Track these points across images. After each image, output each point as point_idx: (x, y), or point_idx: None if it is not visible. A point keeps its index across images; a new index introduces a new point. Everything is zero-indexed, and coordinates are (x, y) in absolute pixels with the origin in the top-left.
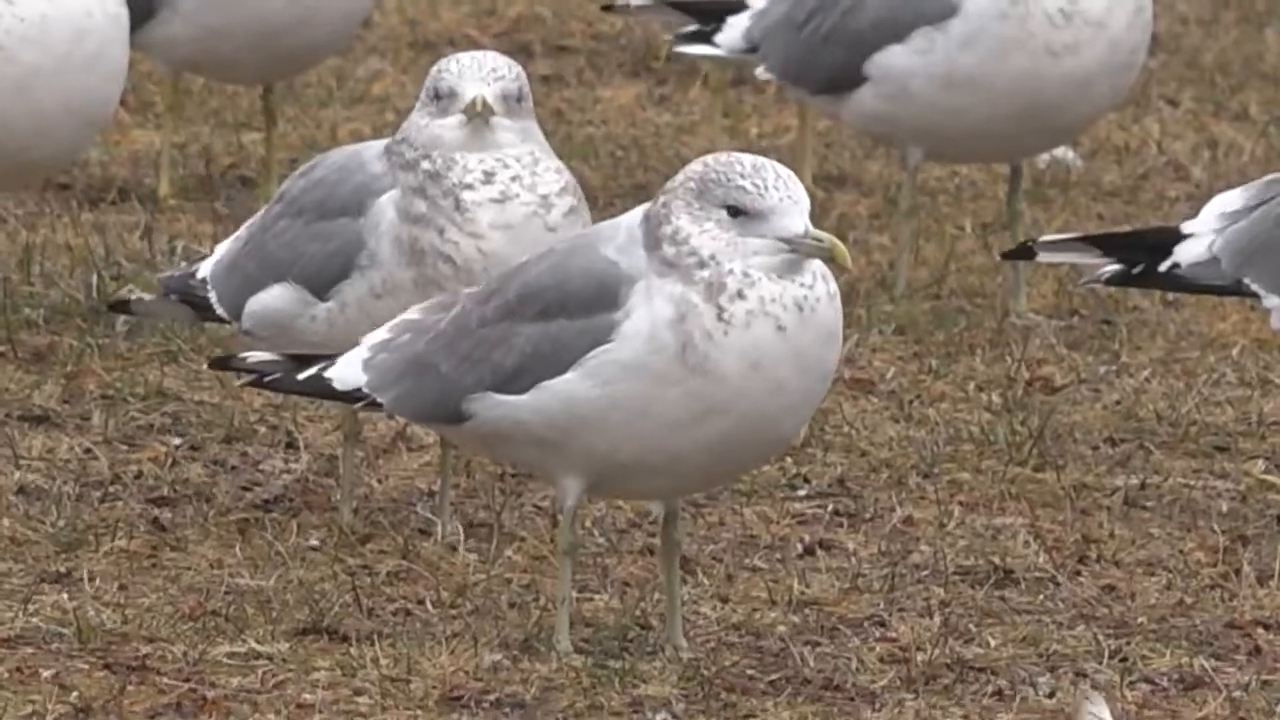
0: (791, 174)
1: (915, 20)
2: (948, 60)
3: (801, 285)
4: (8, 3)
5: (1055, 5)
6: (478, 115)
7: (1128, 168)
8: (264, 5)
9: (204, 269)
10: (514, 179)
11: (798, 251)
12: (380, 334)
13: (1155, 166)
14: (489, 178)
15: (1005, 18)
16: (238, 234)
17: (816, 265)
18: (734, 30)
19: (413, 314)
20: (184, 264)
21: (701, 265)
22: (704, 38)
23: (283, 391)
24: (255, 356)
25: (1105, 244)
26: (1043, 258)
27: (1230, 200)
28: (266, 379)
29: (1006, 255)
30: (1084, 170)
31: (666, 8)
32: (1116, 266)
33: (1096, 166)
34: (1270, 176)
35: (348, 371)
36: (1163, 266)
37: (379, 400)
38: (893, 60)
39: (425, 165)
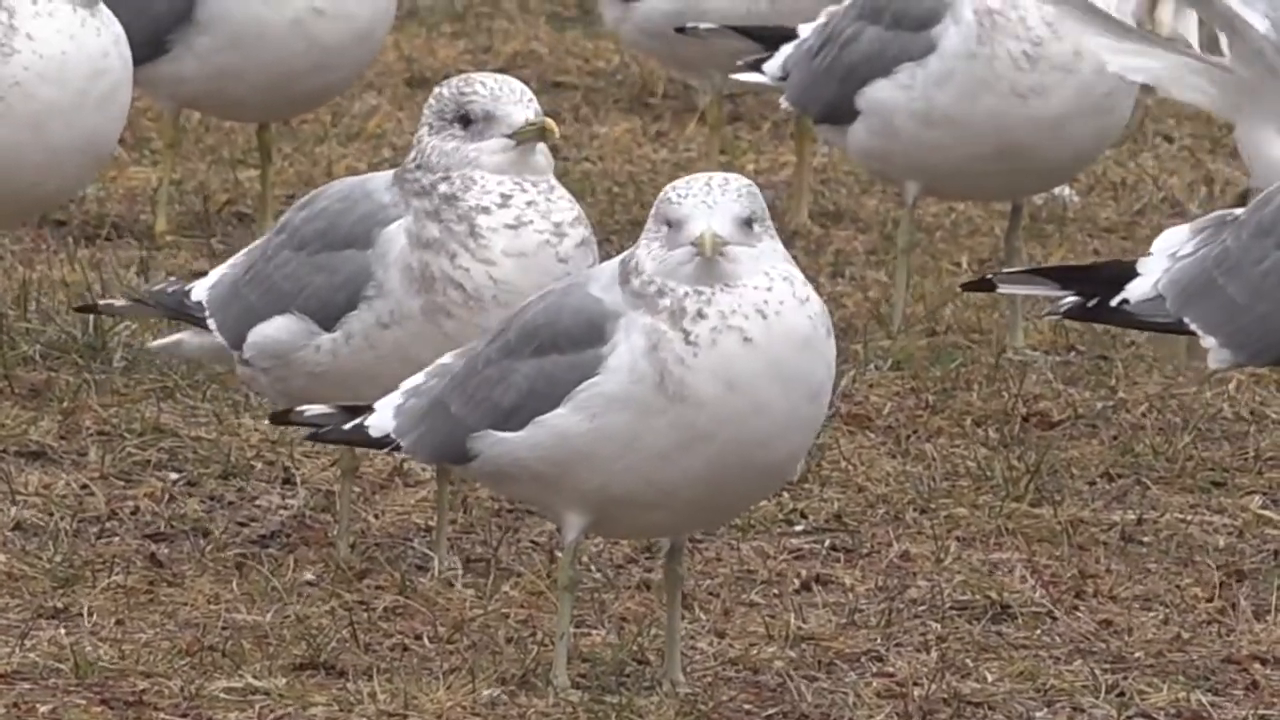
0: (730, 179)
1: (900, 55)
2: (926, 97)
3: (756, 289)
4: (28, 39)
5: (1019, 48)
6: (537, 139)
7: (1124, 204)
8: (280, 50)
9: (199, 291)
10: (529, 204)
11: (699, 252)
12: (417, 379)
13: (1151, 203)
14: (505, 200)
15: (973, 58)
16: (234, 260)
17: (777, 270)
18: (778, 59)
19: (448, 359)
20: (171, 280)
21: (660, 294)
22: (760, 65)
23: (335, 443)
24: (312, 410)
25: (1062, 277)
26: (1002, 289)
27: (1179, 236)
28: (322, 431)
29: (966, 287)
30: (1080, 206)
31: (732, 33)
32: (1074, 299)
33: (1093, 202)
34: (1217, 213)
35: (383, 419)
36: (1114, 302)
37: (401, 445)
38: (879, 94)
39: (443, 187)
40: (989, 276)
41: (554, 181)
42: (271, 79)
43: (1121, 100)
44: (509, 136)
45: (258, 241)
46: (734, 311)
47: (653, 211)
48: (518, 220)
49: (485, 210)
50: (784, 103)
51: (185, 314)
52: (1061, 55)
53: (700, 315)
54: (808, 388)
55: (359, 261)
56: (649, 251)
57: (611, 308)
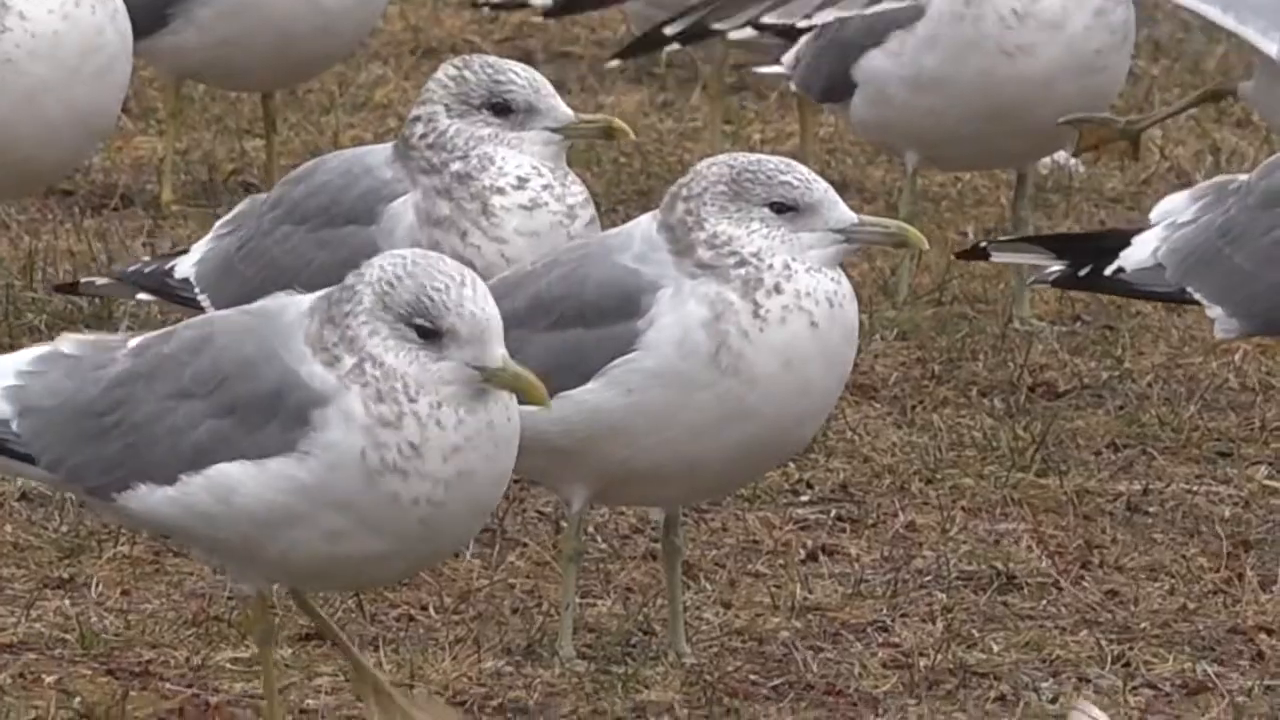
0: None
1: (890, 24)
2: (915, 62)
3: (833, 280)
4: (20, 18)
5: (1008, 6)
6: (603, 138)
7: (1130, 173)
8: (284, 16)
9: (183, 268)
10: (545, 187)
11: (854, 240)
12: None
13: (1158, 172)
14: (522, 183)
15: (960, 19)
16: (218, 233)
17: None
18: (794, 49)
19: None
20: (145, 259)
21: (741, 264)
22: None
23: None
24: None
25: (1056, 246)
26: (996, 258)
27: (1178, 204)
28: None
29: (961, 255)
30: (1086, 176)
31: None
32: (1062, 266)
33: (1099, 172)
34: (1218, 179)
35: None
36: (1108, 270)
37: None
38: (872, 64)
39: (457, 165)
40: (983, 245)
41: (565, 166)
42: (274, 45)
43: (1112, 59)
44: (555, 130)
45: (234, 213)
46: (808, 294)
47: (732, 191)
48: (533, 202)
49: (500, 191)
50: (792, 85)
51: (168, 293)
52: (1050, 11)
53: (776, 289)
54: (843, 371)
55: (362, 237)
56: (749, 230)
57: (650, 279)
